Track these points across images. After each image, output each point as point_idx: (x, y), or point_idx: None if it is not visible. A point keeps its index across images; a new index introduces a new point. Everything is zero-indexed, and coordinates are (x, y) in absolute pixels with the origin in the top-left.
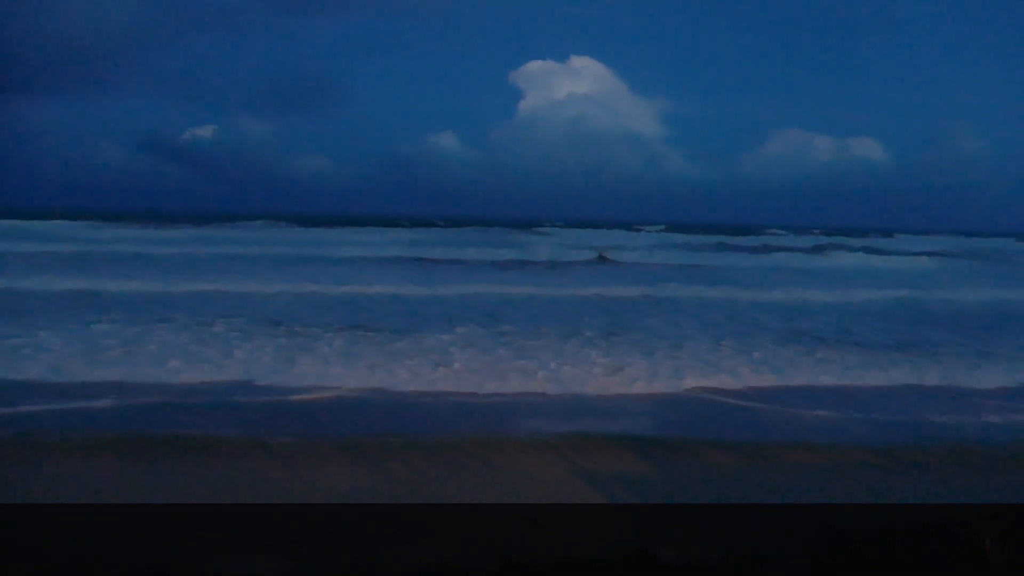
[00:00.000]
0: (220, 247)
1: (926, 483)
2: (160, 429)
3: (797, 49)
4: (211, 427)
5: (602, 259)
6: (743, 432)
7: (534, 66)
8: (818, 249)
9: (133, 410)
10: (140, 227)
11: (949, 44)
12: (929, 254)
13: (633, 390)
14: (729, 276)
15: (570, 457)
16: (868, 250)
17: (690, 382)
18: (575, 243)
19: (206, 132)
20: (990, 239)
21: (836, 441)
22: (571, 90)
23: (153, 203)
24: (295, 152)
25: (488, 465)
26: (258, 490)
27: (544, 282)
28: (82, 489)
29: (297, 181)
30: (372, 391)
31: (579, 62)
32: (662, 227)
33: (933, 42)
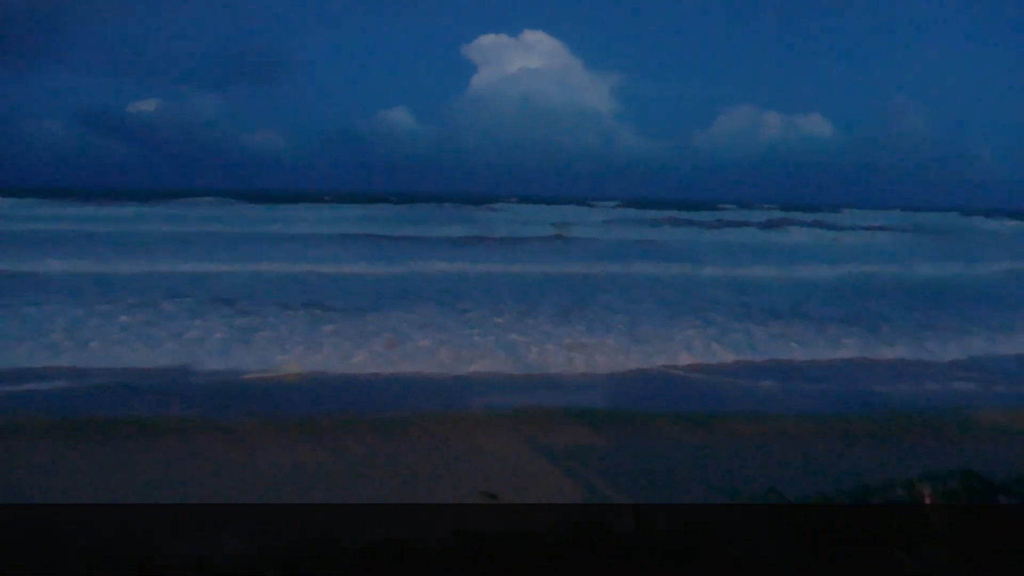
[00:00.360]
0: (167, 225)
1: (871, 450)
2: (110, 412)
3: (747, 25)
4: (163, 409)
5: (559, 236)
6: (696, 405)
7: (487, 40)
8: (771, 224)
9: (81, 393)
10: (82, 205)
11: (893, 22)
12: (880, 229)
13: (590, 365)
14: (684, 252)
15: (526, 431)
16: (818, 225)
17: (645, 357)
18: (530, 219)
19: (150, 106)
20: (935, 213)
21: (785, 412)
22: (524, 65)
23: (96, 180)
24: (244, 127)
25: (444, 440)
26: (212, 470)
27: (501, 259)
28: (33, 474)
29: (246, 157)
30: (327, 370)
31: (532, 36)
32: (616, 203)
33: (877, 20)
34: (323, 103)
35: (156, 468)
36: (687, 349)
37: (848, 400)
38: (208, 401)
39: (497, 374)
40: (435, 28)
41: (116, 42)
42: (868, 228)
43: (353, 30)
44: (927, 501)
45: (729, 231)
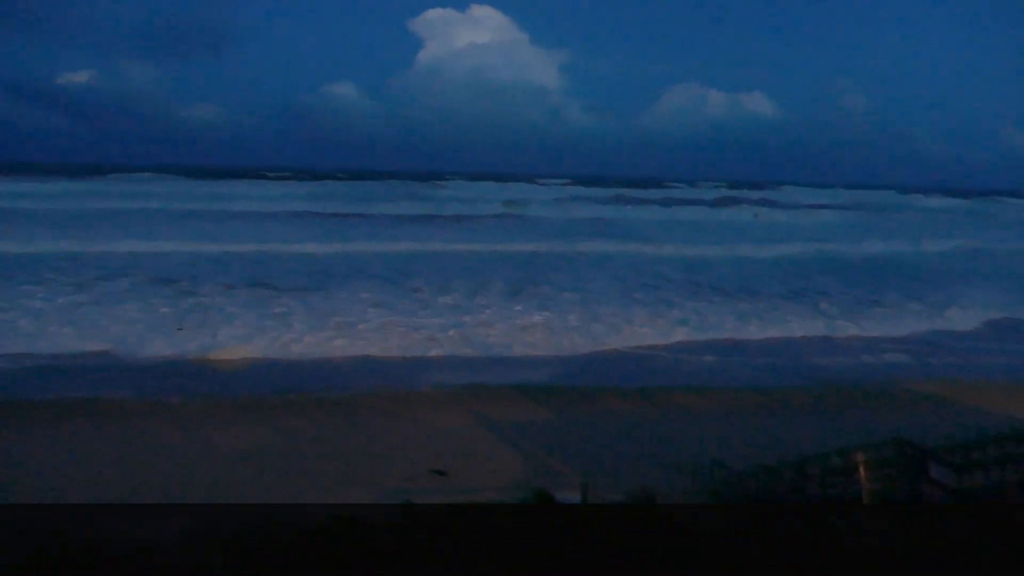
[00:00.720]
0: (103, 201)
1: (806, 420)
2: (46, 394)
3: (692, 3)
4: (102, 390)
5: (509, 214)
6: (644, 380)
7: (434, 14)
8: (720, 202)
9: (16, 376)
10: (9, 180)
11: (833, 3)
12: (824, 207)
13: (540, 344)
14: (636, 230)
15: (473, 407)
16: (766, 204)
17: (595, 335)
18: (480, 196)
19: (83, 77)
20: (873, 192)
21: (729, 385)
22: (471, 40)
23: (24, 153)
24: (183, 100)
25: (392, 417)
26: (154, 450)
27: (453, 237)
28: None
29: (186, 131)
30: (274, 351)
31: (479, 11)
32: (566, 180)
33: (818, 1)
34: (265, 76)
35: (96, 447)
36: (636, 326)
37: (790, 373)
38: (150, 383)
39: (447, 353)
40: (381, 1)
41: (45, 7)
42: (813, 206)
43: (296, 1)
44: (861, 469)
45: (679, 209)
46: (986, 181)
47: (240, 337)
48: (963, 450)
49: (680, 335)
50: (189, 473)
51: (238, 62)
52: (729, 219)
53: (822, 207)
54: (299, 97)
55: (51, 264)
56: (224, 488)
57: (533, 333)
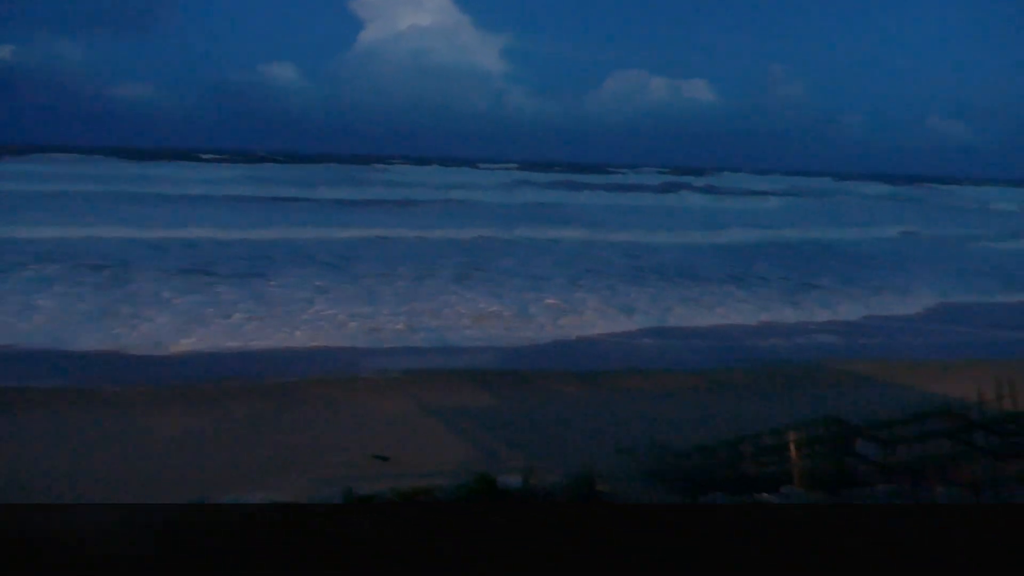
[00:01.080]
0: (27, 183)
1: (742, 401)
2: None
3: None
4: (28, 379)
5: (453, 199)
6: (584, 363)
7: None
8: (665, 188)
9: None
10: None
11: None
12: (765, 194)
13: (484, 328)
14: (581, 215)
15: (416, 393)
16: (709, 190)
17: (539, 319)
18: (423, 181)
19: (3, 52)
20: (810, 178)
21: (666, 367)
22: (413, 21)
23: None
24: (113, 77)
25: (332, 403)
26: (86, 436)
27: (397, 222)
28: None
29: (116, 110)
30: (212, 337)
31: None
32: (510, 165)
33: None
34: (200, 54)
35: (23, 439)
36: (581, 311)
37: (730, 355)
38: (81, 371)
39: (391, 339)
40: None
41: None
42: (753, 193)
43: None
44: (792, 446)
45: (623, 195)
46: (914, 167)
47: (176, 324)
48: (889, 427)
49: (624, 319)
50: (122, 461)
51: (171, 39)
52: (676, 205)
53: (762, 193)
54: (236, 76)
55: None
56: (158, 476)
57: (478, 319)
